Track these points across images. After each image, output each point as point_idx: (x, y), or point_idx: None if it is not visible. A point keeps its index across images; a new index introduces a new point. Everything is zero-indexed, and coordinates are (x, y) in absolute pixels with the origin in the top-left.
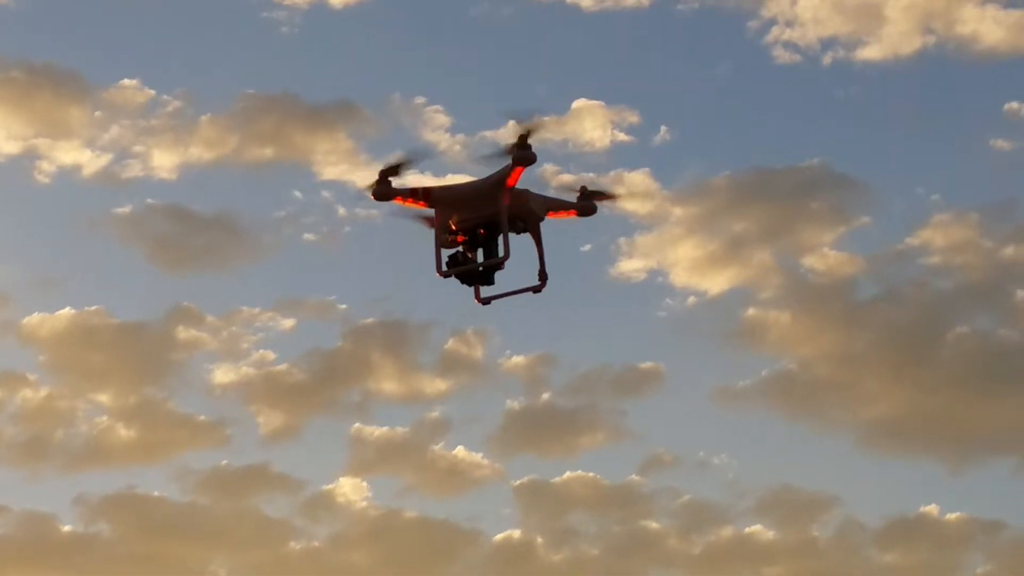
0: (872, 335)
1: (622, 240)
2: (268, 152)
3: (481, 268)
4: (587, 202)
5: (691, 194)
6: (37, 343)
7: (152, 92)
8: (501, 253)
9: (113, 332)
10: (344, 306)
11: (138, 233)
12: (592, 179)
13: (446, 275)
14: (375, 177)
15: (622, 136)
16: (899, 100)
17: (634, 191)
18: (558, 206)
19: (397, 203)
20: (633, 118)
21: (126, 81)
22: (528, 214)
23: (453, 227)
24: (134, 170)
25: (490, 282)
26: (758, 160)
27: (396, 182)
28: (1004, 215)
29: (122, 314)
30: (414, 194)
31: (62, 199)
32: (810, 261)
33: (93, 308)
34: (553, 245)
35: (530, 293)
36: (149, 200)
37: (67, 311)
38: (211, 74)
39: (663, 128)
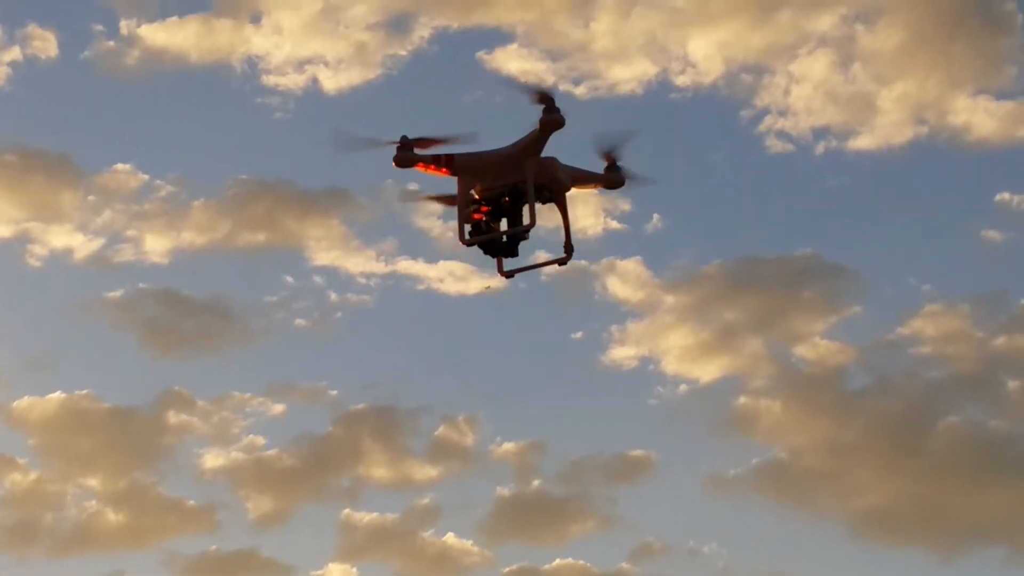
0: (863, 424)
1: (614, 328)
2: (261, 237)
3: (505, 237)
4: (615, 174)
5: (683, 282)
6: (27, 426)
7: (145, 177)
8: (526, 222)
9: (103, 416)
10: (335, 392)
11: (130, 317)
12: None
13: (469, 243)
14: (395, 151)
15: (614, 224)
16: (891, 190)
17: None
18: (585, 177)
19: (419, 170)
20: (625, 206)
21: (119, 166)
22: (555, 183)
23: (476, 196)
24: (126, 254)
25: (514, 253)
26: (750, 249)
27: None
28: (995, 305)
29: (112, 398)
30: (436, 161)
31: (54, 283)
32: (801, 350)
33: (84, 392)
34: (544, 333)
35: (556, 265)
36: (141, 284)
37: (58, 395)
38: (204, 159)
39: (655, 216)
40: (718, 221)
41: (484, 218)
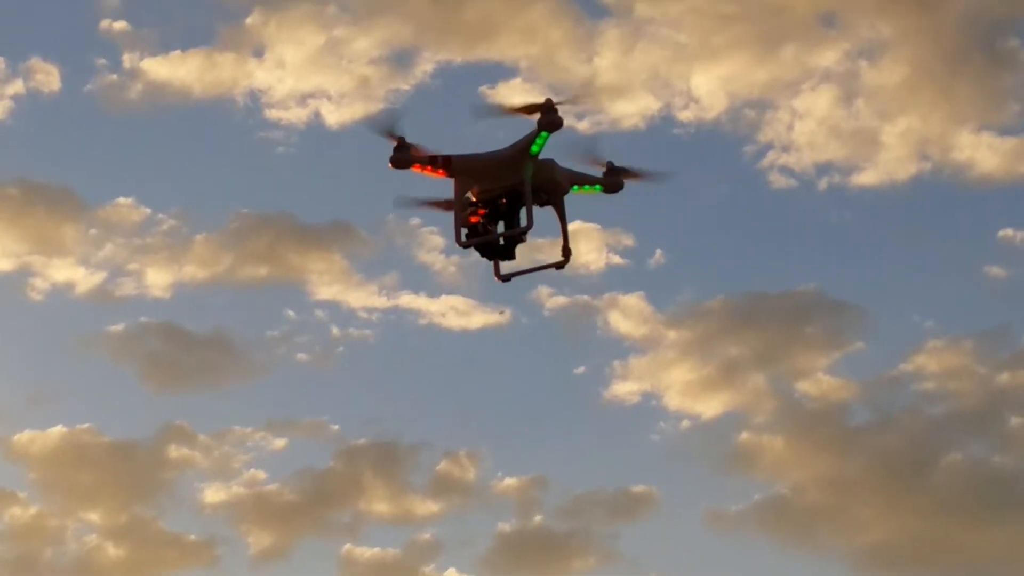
0: (866, 461)
1: (616, 363)
2: (262, 271)
3: (502, 240)
4: (614, 178)
5: (685, 318)
6: (27, 460)
7: (147, 210)
8: (524, 224)
9: (104, 450)
10: (336, 426)
11: (131, 351)
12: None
13: (465, 246)
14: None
15: (616, 259)
16: (894, 226)
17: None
18: (584, 180)
19: (415, 171)
20: (628, 241)
21: (121, 199)
22: (553, 185)
23: (473, 198)
24: (127, 288)
25: (511, 257)
26: (753, 284)
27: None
28: (998, 342)
29: (113, 432)
30: (433, 161)
31: (55, 316)
32: (804, 386)
33: (84, 426)
34: (546, 368)
35: (552, 270)
36: (142, 318)
37: (58, 428)
38: (206, 193)
39: (658, 251)
40: (721, 256)
41: (481, 221)
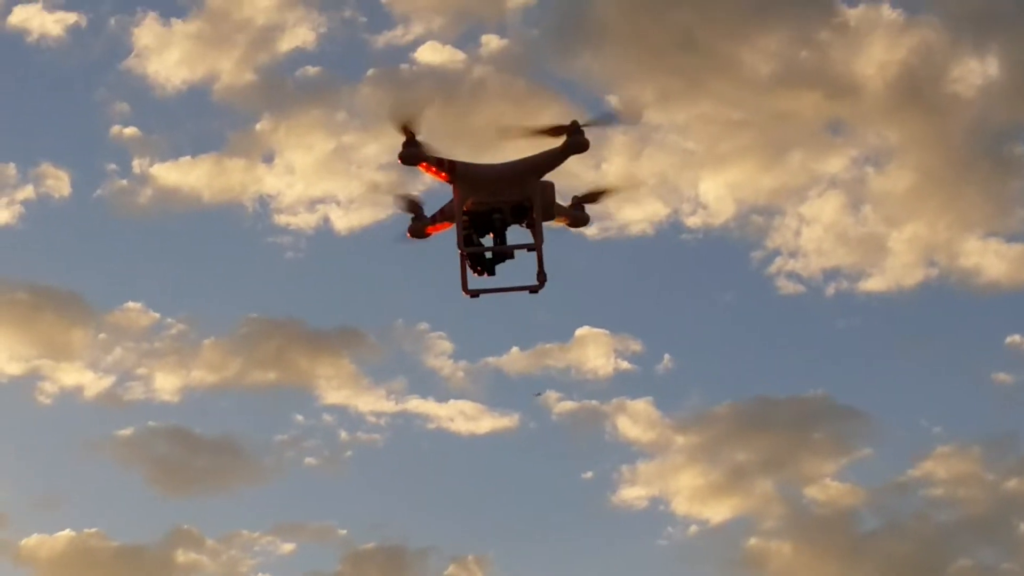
0: (874, 567)
1: (624, 468)
2: (271, 376)
3: (491, 254)
4: (579, 213)
5: (693, 423)
6: (35, 564)
7: (156, 315)
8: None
9: (111, 555)
10: (344, 531)
11: (139, 455)
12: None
13: (468, 252)
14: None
15: (625, 364)
16: (901, 331)
17: (625, 185)
18: (561, 213)
19: (421, 170)
20: (636, 346)
21: (130, 304)
22: (548, 208)
23: (465, 209)
24: (136, 392)
25: (492, 272)
26: (760, 390)
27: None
28: (1006, 448)
29: (121, 537)
30: (440, 163)
31: (63, 420)
32: (812, 492)
33: (92, 530)
34: (554, 473)
35: (526, 292)
36: (151, 422)
37: (66, 533)
38: (215, 298)
39: (666, 356)
40: (729, 362)
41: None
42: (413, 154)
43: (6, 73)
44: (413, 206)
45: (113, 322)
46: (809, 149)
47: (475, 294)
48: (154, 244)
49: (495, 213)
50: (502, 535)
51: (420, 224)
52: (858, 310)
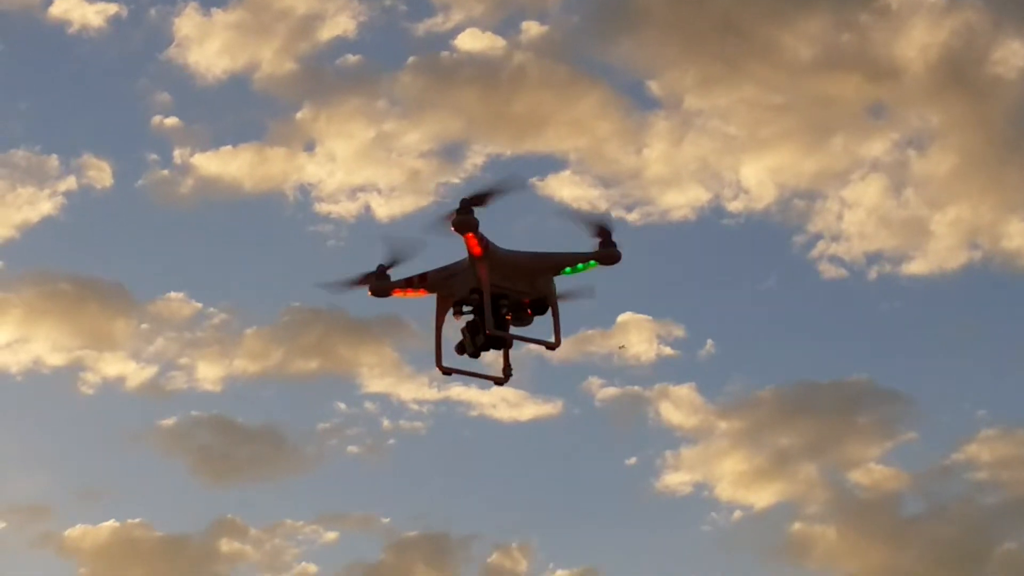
0: (919, 551)
1: (668, 453)
2: (313, 365)
3: (486, 338)
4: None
5: (736, 408)
6: (79, 555)
7: (198, 305)
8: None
9: (156, 545)
10: (387, 519)
11: (182, 445)
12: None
13: (490, 333)
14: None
15: (667, 350)
16: (945, 315)
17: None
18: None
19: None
20: (679, 332)
21: (172, 294)
22: (547, 299)
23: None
24: (179, 382)
25: (475, 355)
26: (804, 374)
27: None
28: None
29: (164, 527)
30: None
31: (106, 410)
32: (856, 476)
33: (136, 520)
34: (598, 459)
35: (492, 384)
36: (193, 412)
37: (110, 523)
38: (257, 287)
39: (709, 342)
40: (771, 347)
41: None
42: (381, 287)
43: (47, 65)
44: (381, 269)
45: (155, 312)
46: (850, 132)
47: (448, 372)
48: (196, 234)
49: (503, 299)
50: (545, 522)
51: (383, 285)
52: (901, 294)
